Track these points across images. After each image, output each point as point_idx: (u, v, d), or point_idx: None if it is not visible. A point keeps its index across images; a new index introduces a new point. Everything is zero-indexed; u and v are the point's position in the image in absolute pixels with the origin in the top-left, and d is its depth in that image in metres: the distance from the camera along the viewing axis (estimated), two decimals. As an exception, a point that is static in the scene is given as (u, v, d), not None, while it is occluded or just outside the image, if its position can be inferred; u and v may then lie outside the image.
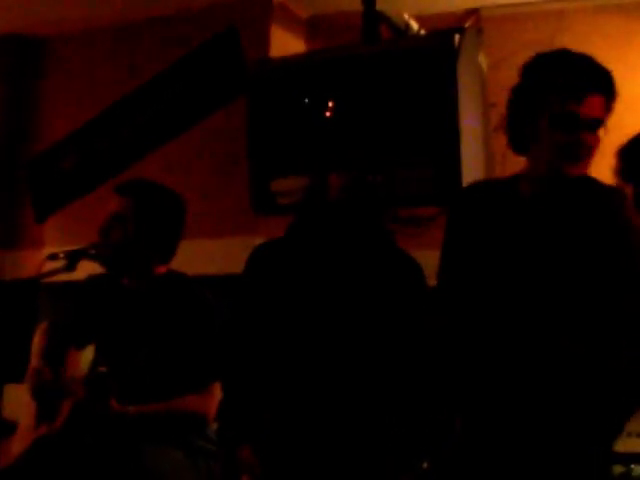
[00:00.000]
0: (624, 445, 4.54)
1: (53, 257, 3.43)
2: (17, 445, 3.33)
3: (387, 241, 3.03)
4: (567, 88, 2.47)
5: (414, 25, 4.67)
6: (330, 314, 2.86)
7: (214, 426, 3.36)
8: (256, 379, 2.94)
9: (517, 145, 2.61)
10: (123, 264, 3.41)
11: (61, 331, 3.46)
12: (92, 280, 3.57)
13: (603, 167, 5.02)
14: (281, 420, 2.87)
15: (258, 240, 5.16)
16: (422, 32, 4.69)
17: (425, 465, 2.82)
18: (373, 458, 2.79)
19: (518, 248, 2.53)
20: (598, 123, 2.54)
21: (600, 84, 2.52)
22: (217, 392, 3.31)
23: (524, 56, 4.86)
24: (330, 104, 4.21)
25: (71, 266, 3.38)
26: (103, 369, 3.09)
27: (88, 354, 3.39)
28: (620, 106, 4.98)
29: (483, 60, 4.16)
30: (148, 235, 3.38)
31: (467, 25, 4.99)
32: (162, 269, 3.45)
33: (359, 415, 2.80)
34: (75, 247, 3.46)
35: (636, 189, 2.75)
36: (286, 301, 2.93)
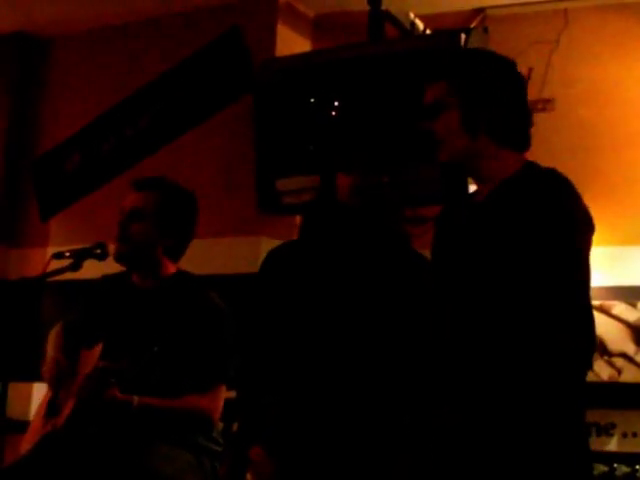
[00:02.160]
0: (607, 445, 4.56)
1: (58, 256, 3.42)
2: (25, 444, 3.33)
3: (402, 243, 3.02)
4: None
5: (420, 24, 4.67)
6: (344, 317, 2.85)
7: (220, 427, 3.36)
8: (269, 380, 2.93)
9: None
10: (138, 259, 3.41)
11: (74, 332, 3.45)
12: (104, 279, 3.56)
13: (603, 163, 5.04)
14: (293, 420, 2.87)
15: (263, 239, 5.18)
16: (428, 31, 4.69)
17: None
18: (382, 459, 2.78)
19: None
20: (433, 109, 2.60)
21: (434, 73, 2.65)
22: (222, 394, 3.31)
23: (530, 55, 4.89)
24: (336, 103, 4.21)
25: (76, 265, 3.38)
26: (105, 363, 3.09)
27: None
28: (624, 104, 5.00)
29: (489, 59, 4.15)
30: (165, 232, 3.38)
31: (473, 25, 4.99)
32: (172, 268, 3.45)
33: (372, 417, 2.79)
34: (80, 246, 3.46)
35: None
36: (301, 304, 2.92)
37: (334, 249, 2.94)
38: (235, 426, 3.12)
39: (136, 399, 3.15)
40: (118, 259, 3.40)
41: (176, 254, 3.46)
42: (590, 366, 2.48)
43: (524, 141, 2.64)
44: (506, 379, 2.40)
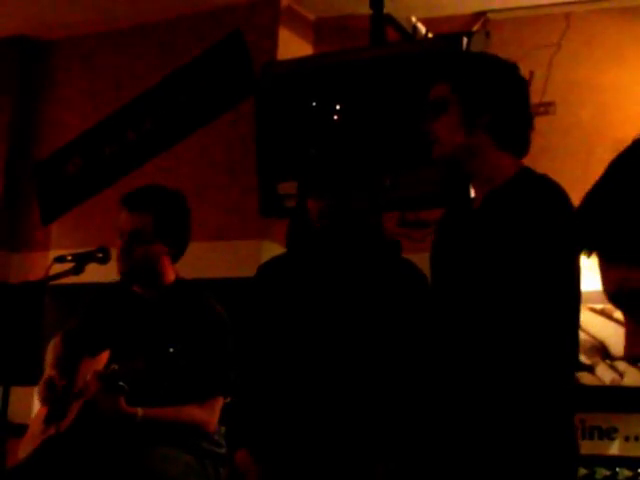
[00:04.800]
0: (609, 448, 4.56)
1: (60, 260, 3.42)
2: (25, 447, 3.32)
3: (389, 252, 3.02)
4: None
5: (422, 28, 4.67)
6: (334, 326, 2.86)
7: (223, 429, 3.37)
8: (259, 386, 2.94)
9: None
10: (144, 276, 3.40)
11: (75, 340, 3.45)
12: (104, 288, 3.56)
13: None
14: (282, 426, 2.87)
15: (265, 243, 5.18)
16: (429, 35, 4.69)
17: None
18: (368, 466, 2.78)
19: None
20: (435, 106, 2.62)
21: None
22: (219, 405, 3.31)
23: (532, 58, 4.89)
24: (337, 107, 4.21)
25: (78, 269, 3.38)
26: (115, 367, 3.08)
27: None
28: (625, 107, 4.99)
29: (491, 63, 4.15)
30: (168, 243, 3.38)
31: (475, 28, 4.99)
32: (172, 275, 3.45)
33: (361, 422, 2.80)
34: (82, 250, 3.46)
35: None
36: (291, 315, 2.93)
37: (321, 260, 2.96)
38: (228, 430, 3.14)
39: (140, 412, 3.15)
40: (124, 277, 3.40)
41: (177, 256, 3.46)
42: (576, 367, 2.50)
43: (523, 144, 2.64)
44: (493, 379, 2.42)
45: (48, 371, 3.36)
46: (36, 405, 3.53)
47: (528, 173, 2.60)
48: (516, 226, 2.45)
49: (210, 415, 3.29)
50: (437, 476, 2.51)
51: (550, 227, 2.42)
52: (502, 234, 2.48)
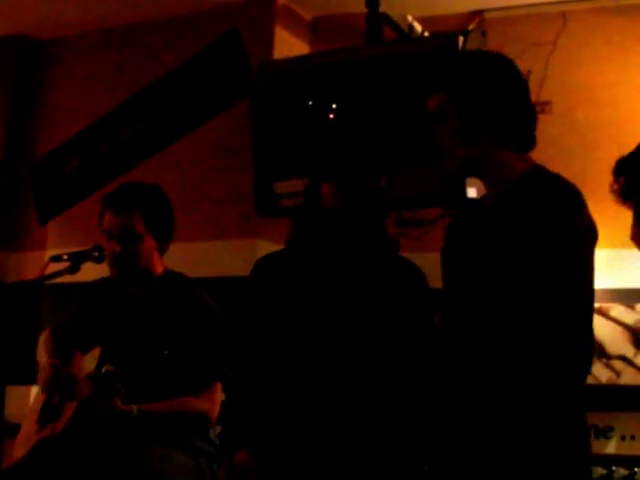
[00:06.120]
0: (605, 447, 4.56)
1: (56, 259, 3.41)
2: (19, 448, 3.32)
3: (388, 250, 3.01)
4: None
5: (418, 27, 4.68)
6: (333, 324, 2.85)
7: (217, 429, 3.36)
8: (257, 385, 2.94)
9: None
10: (139, 274, 3.41)
11: (66, 335, 3.44)
12: (95, 284, 3.56)
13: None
14: (281, 426, 2.87)
15: (262, 242, 5.18)
16: (426, 34, 4.69)
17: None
18: (372, 465, 2.78)
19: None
20: (434, 118, 2.62)
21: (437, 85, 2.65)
22: (218, 394, 3.30)
23: (528, 58, 4.89)
24: (333, 106, 4.22)
25: (74, 268, 3.37)
26: (110, 368, 3.07)
27: (91, 358, 3.37)
28: (622, 106, 5.00)
29: (487, 62, 4.15)
30: (159, 238, 3.39)
31: (471, 27, 4.99)
32: (160, 267, 3.45)
33: (360, 422, 2.80)
34: (78, 249, 3.46)
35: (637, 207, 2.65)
36: (289, 311, 2.93)
37: (319, 255, 2.95)
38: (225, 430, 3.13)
39: (135, 408, 3.15)
40: (119, 278, 3.41)
41: (165, 249, 3.47)
42: (589, 372, 2.49)
43: (527, 140, 2.62)
44: (506, 383, 2.41)
45: (47, 360, 3.34)
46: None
47: (538, 171, 2.57)
48: (529, 227, 2.43)
49: (208, 402, 3.28)
50: (449, 477, 2.50)
51: (563, 229, 2.40)
52: (514, 235, 2.46)
